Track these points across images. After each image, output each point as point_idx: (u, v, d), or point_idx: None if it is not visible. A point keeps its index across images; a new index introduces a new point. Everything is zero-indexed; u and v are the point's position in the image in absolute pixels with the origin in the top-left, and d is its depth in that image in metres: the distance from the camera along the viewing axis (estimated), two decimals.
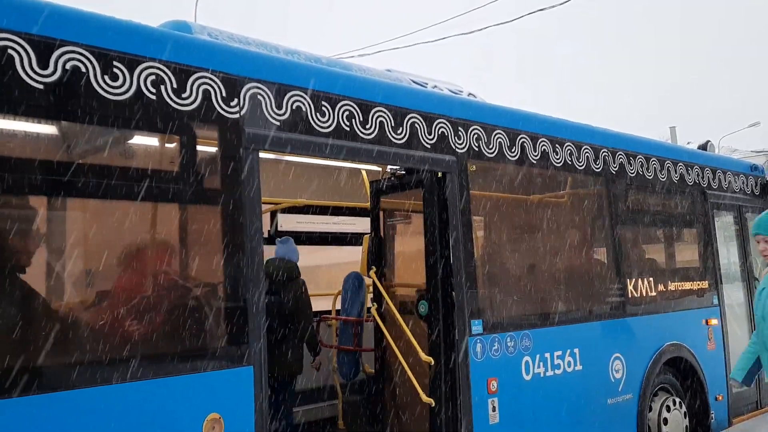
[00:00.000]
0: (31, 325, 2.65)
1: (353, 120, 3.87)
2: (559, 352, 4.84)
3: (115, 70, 2.92)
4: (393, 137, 4.07)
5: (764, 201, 7.55)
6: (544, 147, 5.01)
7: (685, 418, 5.94)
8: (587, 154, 5.38)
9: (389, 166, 4.96)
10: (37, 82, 2.69)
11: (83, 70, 2.82)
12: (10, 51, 2.63)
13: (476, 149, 4.55)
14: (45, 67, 2.71)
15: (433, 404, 4.26)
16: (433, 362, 4.29)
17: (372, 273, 5.10)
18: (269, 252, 5.33)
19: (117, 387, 2.75)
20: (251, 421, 3.15)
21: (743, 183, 7.28)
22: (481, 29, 11.07)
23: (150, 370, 2.86)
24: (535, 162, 4.95)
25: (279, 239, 5.72)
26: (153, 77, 3.03)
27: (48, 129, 2.87)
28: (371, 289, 5.46)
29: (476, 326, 4.32)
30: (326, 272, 7.37)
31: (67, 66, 2.77)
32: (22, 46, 2.65)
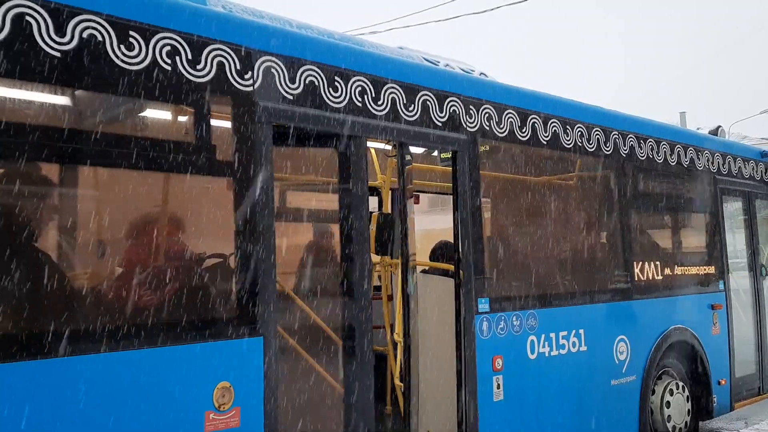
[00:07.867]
0: (50, 293, 2.68)
1: (365, 96, 3.87)
2: (565, 333, 4.87)
3: (131, 39, 2.93)
4: (405, 114, 4.07)
5: None
6: (554, 128, 5.00)
7: (688, 401, 5.98)
8: (598, 136, 5.37)
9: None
10: (54, 49, 2.70)
11: (99, 38, 2.83)
12: (28, 18, 2.64)
13: (487, 128, 4.55)
14: (63, 35, 2.72)
15: None
16: None
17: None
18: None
19: (130, 353, 2.80)
20: (260, 391, 3.19)
21: (753, 169, 7.25)
22: (493, 9, 10.96)
23: (163, 337, 2.90)
24: (545, 143, 4.94)
25: None
26: (168, 48, 3.04)
27: (65, 97, 2.89)
28: (377, 267, 5.49)
29: (483, 304, 4.35)
30: None
31: (84, 34, 2.78)
32: (40, 14, 2.66)
